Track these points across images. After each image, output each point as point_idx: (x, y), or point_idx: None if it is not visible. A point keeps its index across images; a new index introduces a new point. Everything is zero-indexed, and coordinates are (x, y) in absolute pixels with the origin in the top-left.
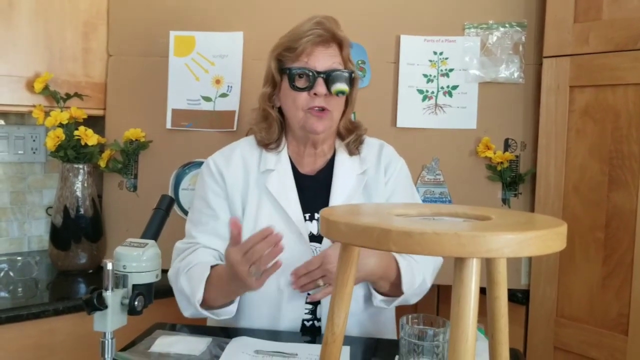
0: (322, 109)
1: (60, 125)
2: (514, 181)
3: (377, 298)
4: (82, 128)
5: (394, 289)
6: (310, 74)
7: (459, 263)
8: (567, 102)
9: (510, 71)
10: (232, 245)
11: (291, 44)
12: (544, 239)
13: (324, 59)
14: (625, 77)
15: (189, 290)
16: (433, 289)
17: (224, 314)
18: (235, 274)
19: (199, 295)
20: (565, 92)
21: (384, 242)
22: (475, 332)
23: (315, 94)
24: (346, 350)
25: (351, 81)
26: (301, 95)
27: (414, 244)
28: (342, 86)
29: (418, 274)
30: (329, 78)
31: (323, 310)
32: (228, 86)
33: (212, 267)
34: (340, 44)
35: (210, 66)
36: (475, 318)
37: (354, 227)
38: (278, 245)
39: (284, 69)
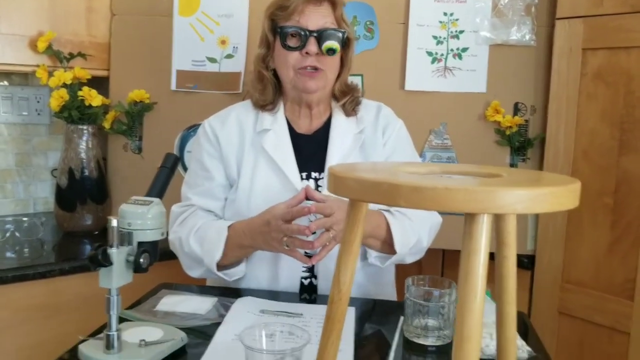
0: (315, 69)
1: (64, 85)
2: (522, 146)
3: (372, 255)
4: (85, 88)
5: (387, 247)
6: (302, 32)
7: (469, 219)
8: (579, 65)
9: (521, 33)
10: (285, 205)
11: (283, 2)
12: (557, 195)
13: (315, 18)
14: (639, 39)
15: (202, 252)
16: (438, 253)
17: (236, 274)
18: (268, 233)
19: (217, 256)
20: (578, 54)
21: (394, 197)
22: (485, 286)
23: (307, 52)
24: (352, 311)
25: (345, 41)
26: (293, 55)
27: (424, 199)
28: (332, 43)
29: (412, 234)
30: (321, 37)
31: (320, 268)
32: (234, 47)
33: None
34: (333, 2)
35: (215, 26)
36: (485, 275)
37: (362, 182)
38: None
39: (276, 28)
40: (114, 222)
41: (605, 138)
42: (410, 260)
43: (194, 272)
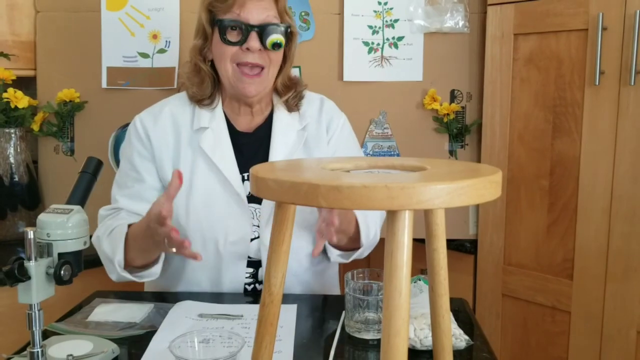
0: (256, 67)
1: None
2: (460, 132)
3: (334, 253)
4: (10, 90)
5: (351, 242)
6: (243, 27)
7: (390, 216)
8: (511, 50)
9: (455, 20)
10: (164, 200)
11: None
12: (476, 187)
13: (257, 12)
14: (568, 23)
15: (111, 253)
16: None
17: (148, 276)
18: (151, 236)
19: (118, 257)
20: (510, 40)
21: (313, 197)
22: (409, 285)
23: (247, 48)
24: (293, 309)
25: (288, 35)
26: (232, 49)
27: (343, 198)
28: (276, 37)
29: (372, 226)
30: (263, 32)
31: (263, 274)
32: (166, 41)
33: (129, 225)
34: None
35: (145, 20)
36: (409, 272)
37: (282, 183)
38: (196, 257)
39: (215, 20)
40: (31, 234)
41: (539, 121)
42: (366, 253)
43: (112, 275)
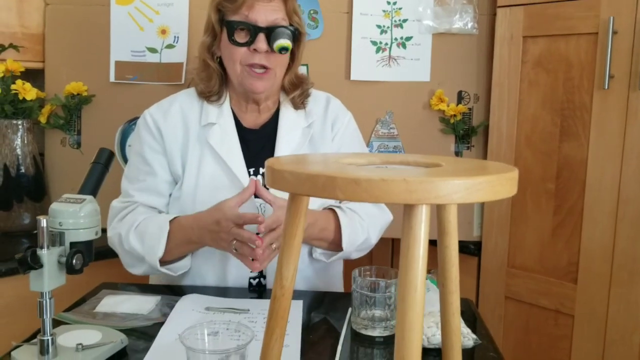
0: (263, 68)
1: None
2: (466, 134)
3: (317, 251)
4: (19, 82)
5: (334, 246)
6: (251, 28)
7: (407, 210)
8: (520, 52)
9: (464, 21)
10: (237, 201)
11: None
12: (493, 184)
13: (266, 13)
14: (577, 26)
15: (143, 249)
16: (387, 242)
17: (180, 269)
18: (217, 233)
19: (160, 252)
20: (519, 42)
21: (331, 189)
22: (425, 281)
23: (255, 49)
24: (299, 305)
25: (296, 37)
26: (240, 50)
27: (361, 191)
28: (284, 42)
29: (362, 232)
30: (270, 34)
31: (269, 268)
32: (174, 36)
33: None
34: None
35: (155, 15)
36: (425, 267)
37: (299, 175)
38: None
39: (224, 20)
40: (44, 222)
41: (546, 124)
42: (356, 256)
43: (136, 270)
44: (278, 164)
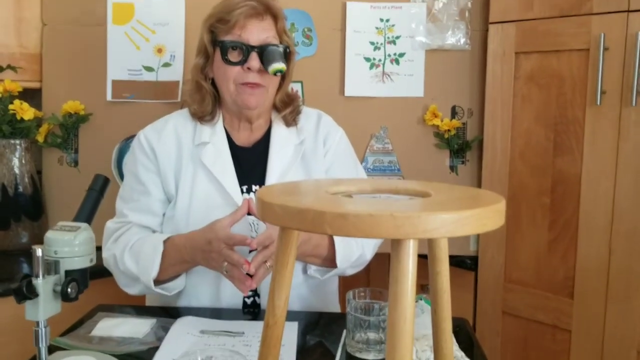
0: (256, 86)
1: None
2: (461, 148)
3: (311, 268)
4: (17, 102)
5: (328, 263)
6: (244, 47)
7: (395, 244)
8: (512, 68)
9: (456, 38)
10: (229, 221)
11: (224, 15)
12: (480, 217)
13: (257, 32)
14: (569, 42)
15: (137, 269)
16: (384, 258)
17: (175, 288)
18: (208, 252)
19: (153, 273)
20: (511, 58)
21: (319, 224)
22: (414, 311)
23: (248, 68)
24: (294, 327)
25: (287, 55)
26: (234, 69)
27: (348, 226)
28: (278, 65)
29: (357, 248)
30: (263, 52)
31: (263, 286)
32: (171, 55)
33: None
34: (275, 16)
35: (151, 34)
36: (414, 298)
37: (288, 209)
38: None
39: (217, 41)
40: (39, 252)
41: (540, 139)
42: (351, 272)
43: (131, 290)
44: (268, 196)
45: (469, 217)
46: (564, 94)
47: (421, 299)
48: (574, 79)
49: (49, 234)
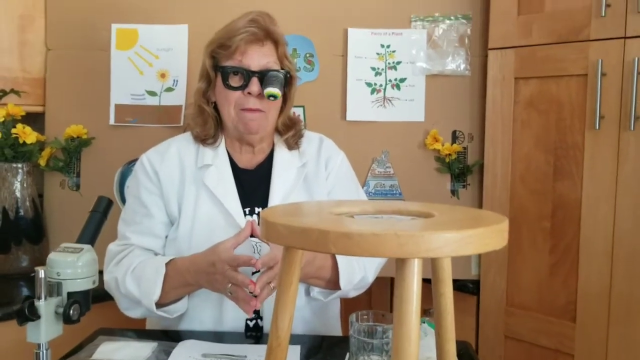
0: (257, 111)
1: None
2: (462, 172)
3: (314, 290)
4: (20, 126)
5: (331, 285)
6: (245, 72)
7: (400, 263)
8: (512, 93)
9: (456, 63)
10: (233, 243)
11: (225, 41)
12: (483, 237)
13: (258, 58)
14: (568, 68)
15: (139, 292)
16: (386, 281)
17: (177, 311)
18: (212, 274)
19: (155, 296)
20: (511, 83)
21: (323, 243)
22: (419, 332)
23: (249, 93)
24: (296, 350)
25: (287, 80)
26: (235, 94)
27: (353, 245)
28: (273, 90)
29: (359, 270)
30: (263, 78)
31: (266, 309)
32: (174, 80)
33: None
34: (275, 41)
35: (154, 60)
36: (419, 318)
37: (292, 229)
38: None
39: (218, 66)
40: (42, 273)
41: (540, 163)
42: (353, 294)
43: (133, 313)
44: (272, 216)
45: (472, 236)
46: (563, 118)
47: (424, 322)
48: (573, 104)
49: (52, 256)
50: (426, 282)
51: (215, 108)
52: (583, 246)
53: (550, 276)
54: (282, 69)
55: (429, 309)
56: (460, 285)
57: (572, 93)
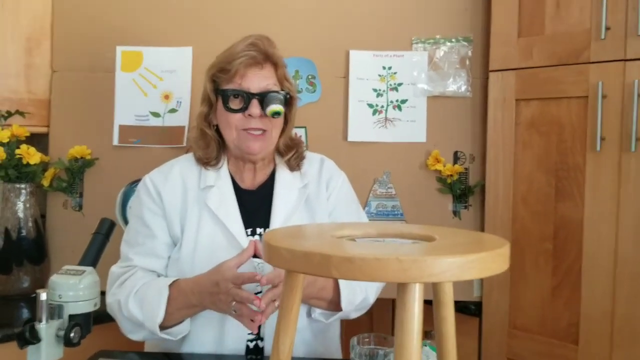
0: (258, 130)
1: (1, 144)
2: (464, 193)
3: (316, 311)
4: (24, 146)
5: (333, 306)
6: (244, 95)
7: (401, 288)
8: (513, 115)
9: (457, 85)
10: (236, 263)
11: (224, 65)
12: (485, 261)
13: (258, 80)
14: (568, 90)
15: (142, 315)
16: (388, 303)
17: (180, 333)
18: (216, 294)
19: (159, 319)
20: (512, 105)
21: (325, 268)
22: (420, 356)
23: (250, 115)
24: None
25: (287, 101)
26: (235, 116)
27: (355, 269)
28: (276, 107)
29: (360, 291)
30: (263, 99)
31: (266, 330)
32: (177, 101)
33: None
34: (275, 63)
35: (158, 81)
36: (420, 342)
37: (294, 253)
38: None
39: (219, 90)
40: (43, 296)
41: (542, 184)
42: (355, 315)
43: (135, 336)
44: (274, 240)
45: (474, 261)
46: (564, 140)
47: (426, 345)
48: (574, 125)
49: (54, 278)
50: (427, 303)
51: (217, 131)
52: (585, 268)
53: (552, 298)
54: (282, 90)
55: (430, 331)
56: (462, 307)
57: (572, 115)
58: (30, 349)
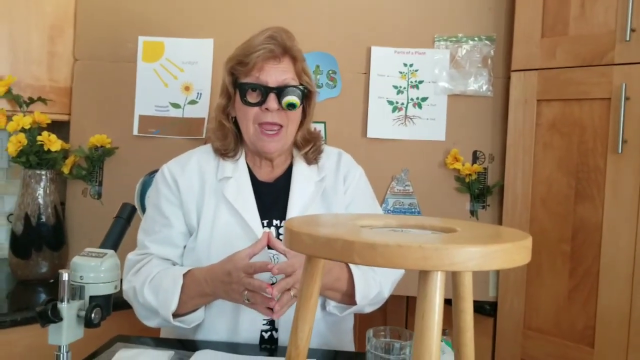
0: (275, 126)
1: (23, 130)
2: (482, 193)
3: (331, 304)
4: (45, 133)
5: (347, 299)
6: (262, 89)
7: (423, 276)
8: (534, 115)
9: (479, 84)
10: (249, 253)
11: (243, 58)
12: (508, 252)
13: (275, 74)
14: (591, 91)
15: (157, 302)
16: (401, 300)
17: (193, 321)
18: (229, 284)
19: (173, 306)
20: (533, 105)
21: (348, 254)
22: (439, 346)
23: (267, 108)
24: None
25: (305, 95)
26: (253, 110)
27: (377, 256)
28: (291, 98)
29: (374, 285)
30: (281, 93)
31: (281, 321)
32: (197, 93)
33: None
34: (293, 57)
35: (179, 72)
36: (440, 332)
37: (317, 238)
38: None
39: (237, 83)
40: (65, 276)
41: (561, 186)
42: (369, 310)
43: (150, 322)
44: (296, 226)
45: (497, 251)
46: (585, 142)
47: (442, 340)
48: (596, 127)
49: (76, 259)
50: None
51: (235, 123)
52: (603, 270)
53: (569, 300)
54: (301, 84)
55: (445, 329)
56: (477, 307)
57: (595, 116)
58: (51, 328)
